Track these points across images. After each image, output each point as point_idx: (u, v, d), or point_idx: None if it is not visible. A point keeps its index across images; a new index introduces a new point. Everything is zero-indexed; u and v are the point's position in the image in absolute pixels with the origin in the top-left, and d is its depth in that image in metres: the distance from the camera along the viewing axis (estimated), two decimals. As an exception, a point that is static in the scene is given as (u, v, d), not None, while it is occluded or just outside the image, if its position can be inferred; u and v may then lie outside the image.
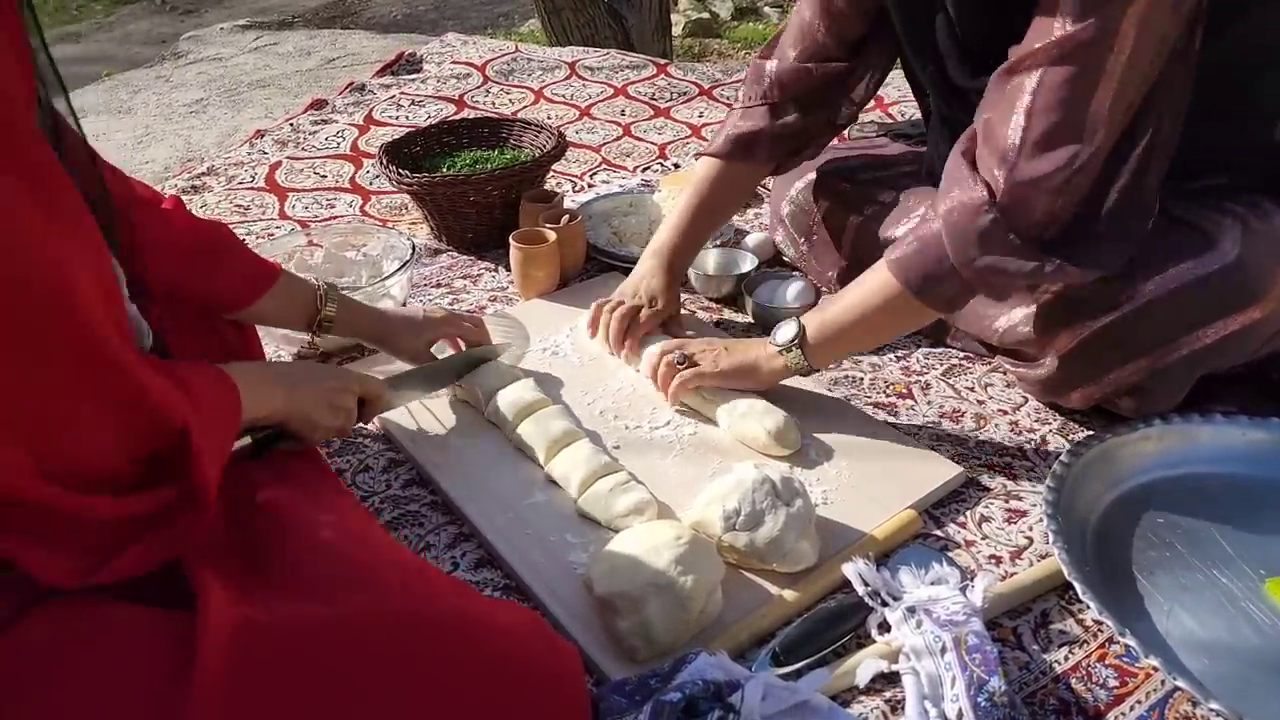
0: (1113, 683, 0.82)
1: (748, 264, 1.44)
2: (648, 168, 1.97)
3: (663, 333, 1.25)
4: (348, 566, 0.73)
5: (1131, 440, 1.03)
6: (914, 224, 1.24)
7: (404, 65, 2.66)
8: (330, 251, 1.42)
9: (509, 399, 1.10)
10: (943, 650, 0.78)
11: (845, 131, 1.85)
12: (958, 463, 1.07)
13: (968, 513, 1.02)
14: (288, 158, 2.03)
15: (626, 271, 1.33)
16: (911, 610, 0.82)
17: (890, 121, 2.08)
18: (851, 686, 0.81)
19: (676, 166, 1.96)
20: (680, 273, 1.31)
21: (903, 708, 0.78)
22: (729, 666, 0.75)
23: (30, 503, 0.57)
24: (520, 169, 1.52)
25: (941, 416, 1.17)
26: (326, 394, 0.93)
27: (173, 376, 0.67)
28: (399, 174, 1.51)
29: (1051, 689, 0.82)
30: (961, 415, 1.17)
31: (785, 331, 1.10)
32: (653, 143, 2.09)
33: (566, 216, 1.46)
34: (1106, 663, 0.84)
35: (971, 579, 0.86)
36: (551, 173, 1.71)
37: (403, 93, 2.40)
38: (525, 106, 2.32)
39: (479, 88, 2.44)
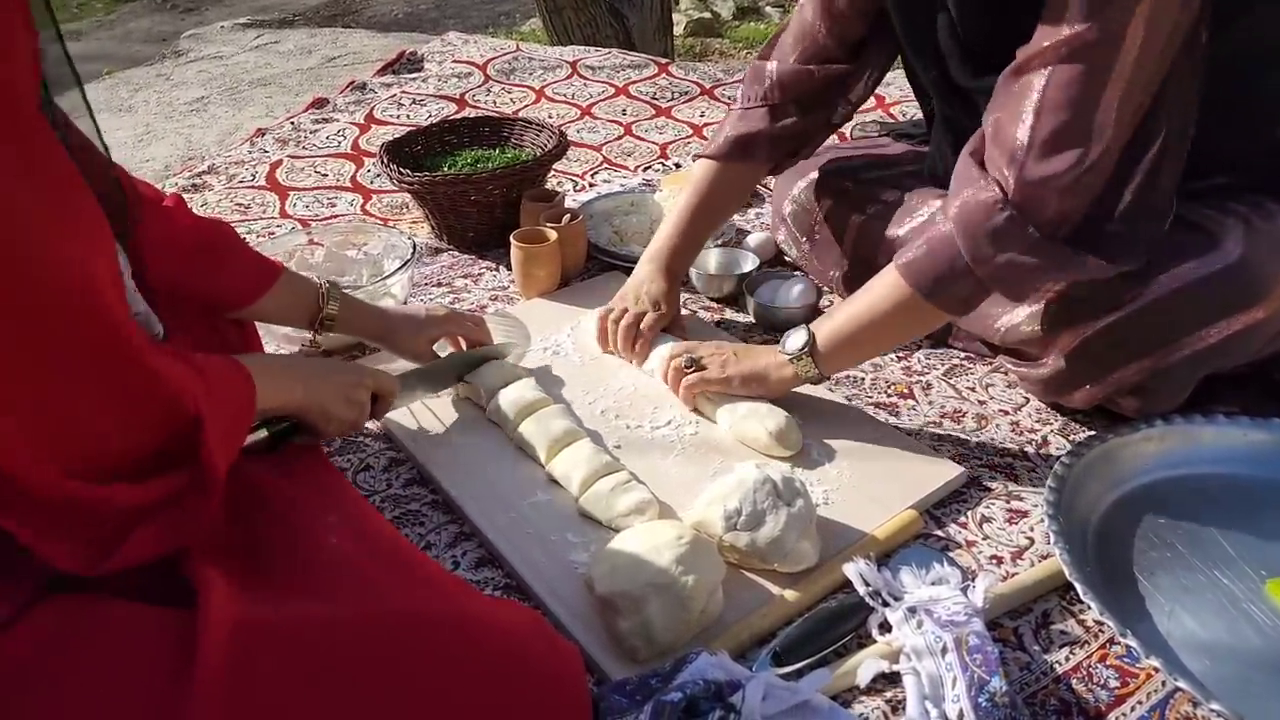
0: (1114, 683, 0.82)
1: (749, 264, 1.44)
2: (649, 167, 1.97)
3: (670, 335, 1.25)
4: (349, 565, 0.73)
5: (1133, 441, 1.03)
6: (918, 224, 1.25)
7: (405, 64, 2.66)
8: (331, 250, 1.42)
9: (510, 398, 1.10)
10: (944, 650, 0.78)
11: (847, 131, 1.86)
12: (959, 463, 1.06)
13: (969, 513, 1.01)
14: (288, 156, 2.03)
15: (628, 271, 1.33)
16: (912, 610, 0.82)
17: (892, 121, 2.08)
18: (852, 687, 0.81)
19: (678, 166, 1.96)
20: (679, 275, 1.31)
21: (903, 708, 0.78)
22: (730, 666, 0.75)
23: (49, 494, 0.57)
24: (521, 168, 1.52)
25: (943, 417, 1.17)
26: (343, 388, 0.94)
27: (186, 363, 0.67)
28: (400, 173, 1.50)
29: (1052, 689, 0.82)
30: (963, 415, 1.17)
31: (795, 340, 1.09)
32: (654, 142, 2.09)
33: (567, 216, 1.46)
34: (1107, 663, 0.84)
35: (972, 579, 0.86)
36: (553, 172, 1.71)
37: (404, 91, 2.40)
38: (526, 105, 2.32)
39: (480, 87, 2.43)
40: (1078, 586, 0.84)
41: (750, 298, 1.36)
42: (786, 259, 1.52)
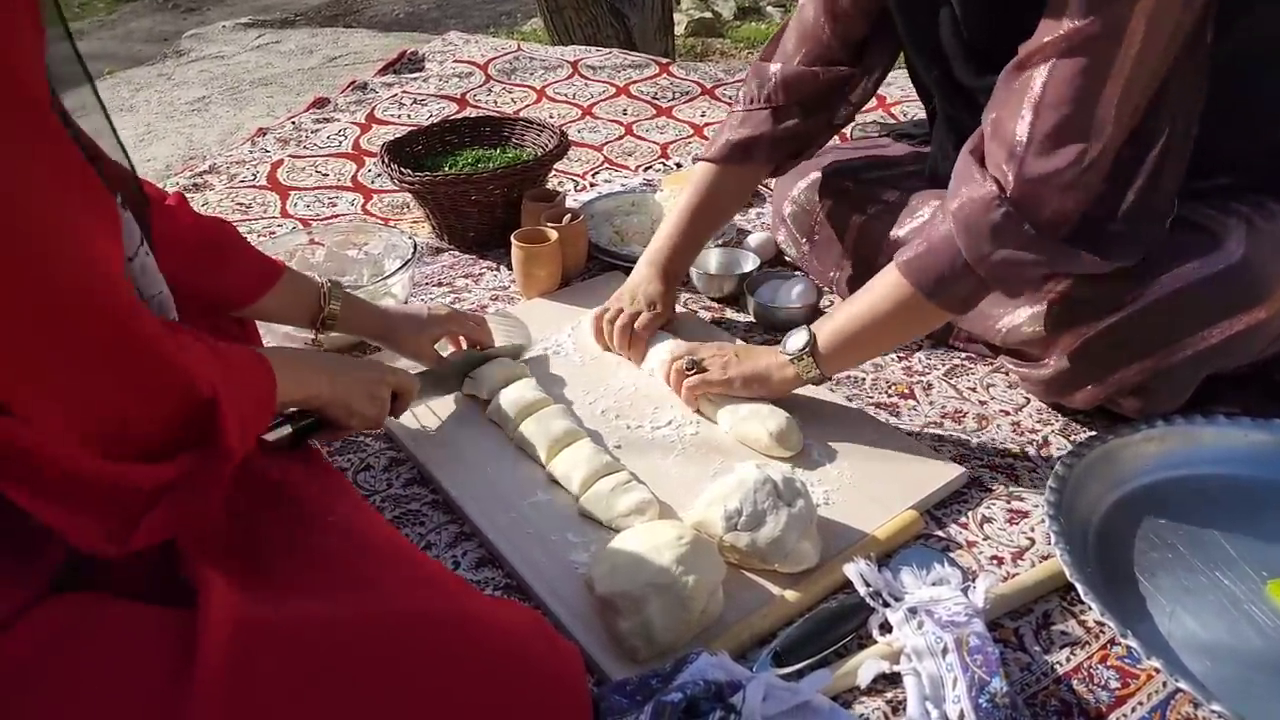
0: (1114, 684, 0.82)
1: (749, 264, 1.44)
2: (650, 167, 1.97)
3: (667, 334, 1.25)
4: (350, 565, 0.73)
5: (1134, 441, 1.02)
6: (919, 224, 1.25)
7: (406, 64, 2.66)
8: (332, 250, 1.42)
9: (510, 398, 1.10)
10: (944, 651, 0.78)
11: (847, 131, 1.86)
12: (959, 463, 1.06)
13: (969, 513, 1.01)
14: (289, 156, 2.03)
15: (628, 270, 1.33)
16: (913, 611, 0.82)
17: (893, 121, 2.08)
18: (853, 687, 0.81)
19: (678, 166, 1.96)
20: (677, 277, 1.31)
21: (904, 708, 0.78)
22: (730, 667, 0.75)
23: (70, 470, 0.58)
24: (522, 168, 1.52)
25: (943, 417, 1.17)
26: (366, 384, 0.95)
27: (204, 345, 0.67)
28: (401, 172, 1.50)
29: (1053, 690, 0.82)
30: (963, 416, 1.17)
31: (795, 340, 1.09)
32: (655, 142, 2.09)
33: (568, 215, 1.46)
34: (1108, 664, 0.84)
35: (973, 580, 0.86)
36: (553, 172, 1.71)
37: (405, 91, 2.40)
38: (527, 105, 2.32)
39: (481, 86, 2.43)
40: (1079, 587, 0.84)
41: (750, 298, 1.36)
42: (787, 259, 1.52)
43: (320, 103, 2.34)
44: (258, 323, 1.11)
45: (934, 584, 0.86)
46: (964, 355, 1.28)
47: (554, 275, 1.42)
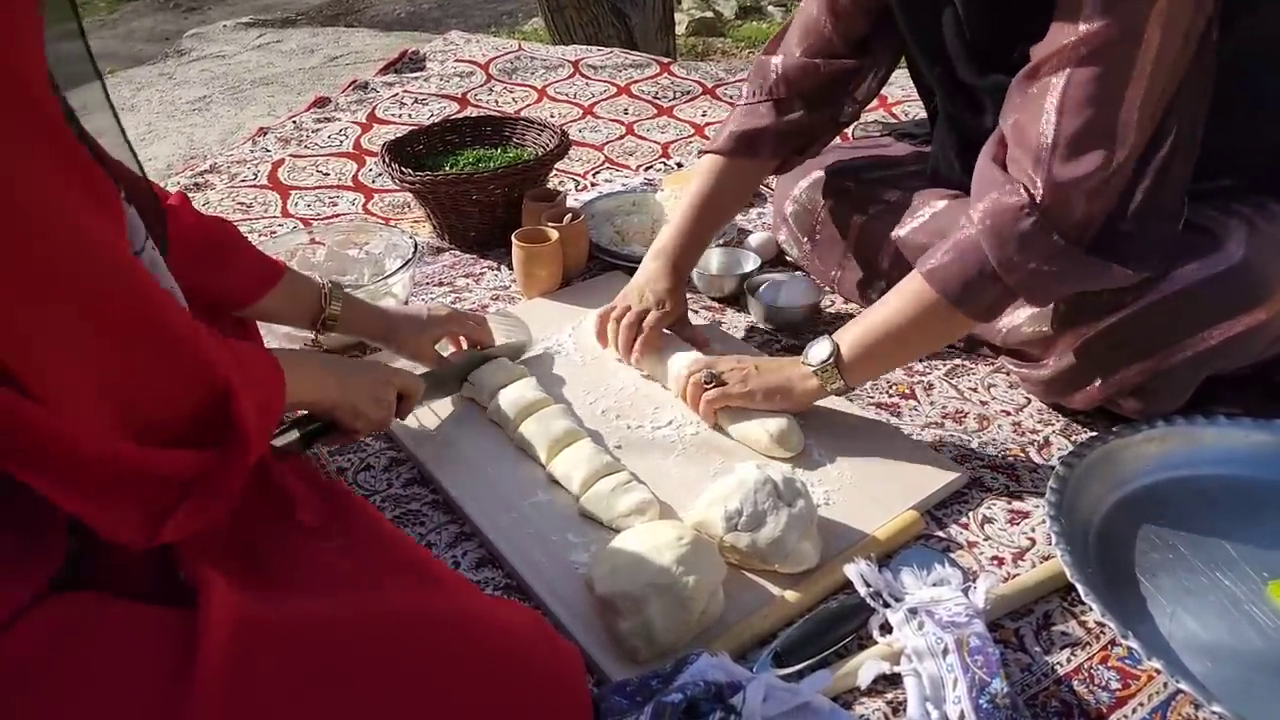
0: (1115, 685, 0.82)
1: (750, 263, 1.44)
2: (650, 167, 1.97)
3: (676, 337, 1.23)
4: (350, 565, 0.73)
5: (1134, 442, 1.02)
6: (920, 224, 1.24)
7: (407, 63, 2.66)
8: (333, 249, 1.42)
9: (511, 398, 1.10)
10: (945, 652, 0.78)
11: (849, 131, 1.86)
12: (960, 463, 1.06)
13: (970, 514, 1.01)
14: (290, 155, 2.03)
15: (629, 270, 1.33)
16: (913, 611, 0.82)
17: (894, 121, 2.08)
18: (853, 688, 0.81)
19: (679, 165, 1.96)
20: (685, 272, 1.29)
21: (904, 709, 0.78)
22: (730, 667, 0.75)
23: (99, 456, 0.58)
24: (523, 168, 1.52)
25: (944, 417, 1.17)
26: (373, 386, 0.95)
27: (215, 338, 0.68)
28: (401, 172, 1.50)
29: (1054, 691, 0.82)
30: (964, 416, 1.17)
31: (819, 351, 1.07)
32: (656, 142, 2.09)
33: (569, 215, 1.46)
34: (1109, 665, 0.84)
35: (974, 580, 0.86)
36: (554, 171, 1.71)
37: (406, 91, 2.40)
38: (528, 105, 2.32)
39: (482, 86, 2.43)
40: (1079, 588, 0.84)
41: (751, 297, 1.36)
42: (788, 259, 1.52)
43: (321, 102, 2.34)
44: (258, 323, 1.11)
45: (934, 584, 0.86)
46: (965, 356, 1.28)
47: (555, 275, 1.42)
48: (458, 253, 1.60)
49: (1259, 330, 0.97)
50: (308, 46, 3.37)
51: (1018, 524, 1.00)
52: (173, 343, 0.62)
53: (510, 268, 1.47)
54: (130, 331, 0.59)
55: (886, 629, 0.84)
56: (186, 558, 0.67)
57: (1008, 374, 1.23)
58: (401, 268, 1.33)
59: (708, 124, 2.16)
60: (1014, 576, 0.92)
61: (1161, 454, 1.03)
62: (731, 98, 2.30)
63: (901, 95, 2.21)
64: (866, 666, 0.80)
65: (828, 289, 1.44)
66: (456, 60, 2.61)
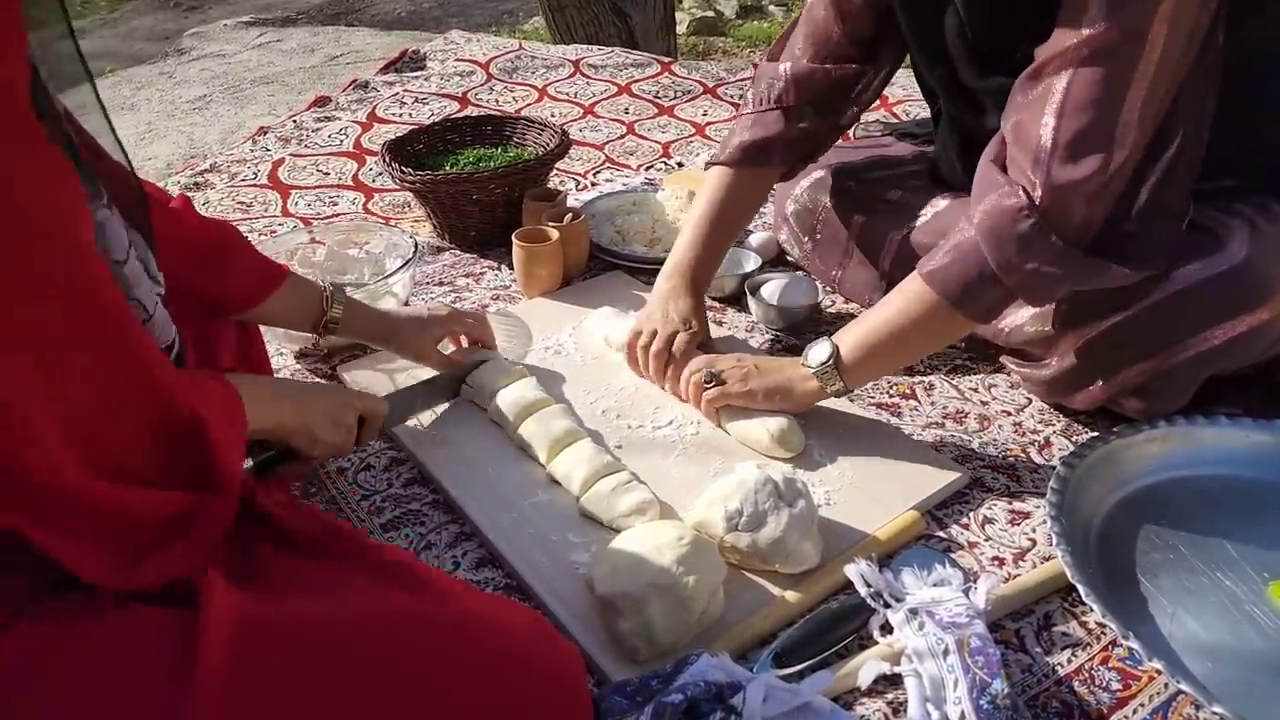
0: (1116, 686, 0.82)
1: (751, 263, 1.44)
2: (651, 166, 1.97)
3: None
4: (349, 567, 0.73)
5: (1135, 442, 1.02)
6: (921, 224, 1.24)
7: (408, 62, 2.66)
8: (333, 249, 1.42)
9: (511, 398, 1.10)
10: (945, 652, 0.78)
11: (851, 131, 1.85)
12: (961, 464, 1.06)
13: (971, 514, 1.01)
14: (290, 155, 2.03)
15: (630, 270, 1.33)
16: (914, 612, 0.82)
17: (895, 121, 2.08)
18: (853, 688, 0.81)
19: (680, 165, 1.96)
20: (704, 288, 1.26)
21: (905, 710, 0.78)
22: (730, 668, 0.75)
23: (70, 493, 0.57)
24: (523, 167, 1.51)
25: (945, 417, 1.17)
26: (330, 410, 0.92)
27: (184, 373, 0.67)
28: (402, 172, 1.50)
29: (1054, 692, 0.82)
30: (965, 416, 1.17)
31: (818, 352, 1.06)
32: (656, 141, 2.09)
33: (570, 215, 1.45)
34: (1109, 665, 0.84)
35: (974, 581, 0.86)
36: (555, 171, 1.71)
37: (406, 90, 2.40)
38: (529, 104, 2.32)
39: (482, 85, 2.43)
40: (1080, 588, 0.84)
41: (752, 297, 1.36)
42: (789, 258, 1.52)
43: (321, 101, 2.34)
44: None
45: (935, 585, 0.85)
46: (965, 356, 1.28)
47: (555, 275, 1.42)
48: (458, 252, 1.60)
49: (1261, 330, 0.97)
50: (308, 46, 3.37)
51: (1018, 524, 1.00)
52: (135, 367, 0.61)
53: (510, 267, 1.47)
54: (92, 355, 0.58)
55: (887, 629, 0.84)
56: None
57: (1009, 374, 1.23)
58: (402, 267, 1.33)
59: (709, 123, 2.16)
60: (1015, 577, 0.92)
61: (1162, 454, 1.03)
62: (732, 97, 2.30)
63: (903, 95, 2.20)
64: (867, 667, 0.80)
65: (828, 289, 1.44)
66: (457, 59, 2.61)
